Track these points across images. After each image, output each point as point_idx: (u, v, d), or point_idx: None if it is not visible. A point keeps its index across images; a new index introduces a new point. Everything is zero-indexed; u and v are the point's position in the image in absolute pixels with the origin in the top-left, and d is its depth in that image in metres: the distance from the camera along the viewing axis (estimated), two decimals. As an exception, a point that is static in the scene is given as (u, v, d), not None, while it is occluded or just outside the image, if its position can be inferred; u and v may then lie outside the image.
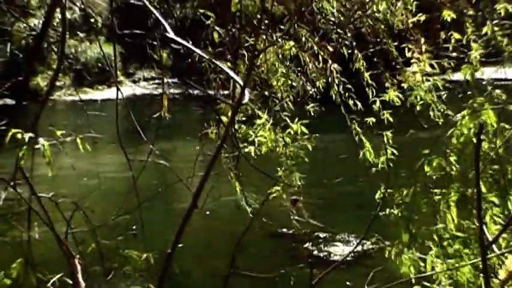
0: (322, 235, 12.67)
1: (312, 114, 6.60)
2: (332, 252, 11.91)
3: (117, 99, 5.65)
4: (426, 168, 5.57)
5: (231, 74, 5.47)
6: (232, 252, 4.95)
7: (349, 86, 7.01)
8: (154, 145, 5.77)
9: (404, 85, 6.31)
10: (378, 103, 6.40)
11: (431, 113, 6.29)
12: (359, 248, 11.29)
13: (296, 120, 6.41)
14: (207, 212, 11.62)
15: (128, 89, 32.14)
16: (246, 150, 6.27)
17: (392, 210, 5.82)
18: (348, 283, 10.34)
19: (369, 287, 5.68)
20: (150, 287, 5.43)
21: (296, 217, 6.24)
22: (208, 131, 6.38)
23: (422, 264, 5.80)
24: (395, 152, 6.17)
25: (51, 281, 4.88)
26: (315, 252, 11.87)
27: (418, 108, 6.13)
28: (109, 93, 31.28)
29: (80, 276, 4.26)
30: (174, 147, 6.23)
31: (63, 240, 4.84)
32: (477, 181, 4.12)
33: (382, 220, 5.86)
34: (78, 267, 4.43)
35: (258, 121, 6.35)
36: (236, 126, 6.19)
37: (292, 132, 6.40)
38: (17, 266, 4.94)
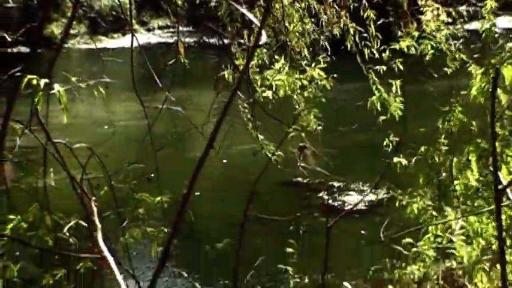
0: (336, 184, 12.64)
1: (324, 62, 6.53)
2: (346, 202, 11.89)
3: (132, 46, 5.61)
4: (446, 124, 5.56)
5: (248, 14, 5.40)
6: (249, 195, 4.94)
7: (365, 34, 6.92)
8: (170, 93, 5.73)
9: (415, 34, 6.24)
10: (387, 52, 6.36)
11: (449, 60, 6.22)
12: (373, 198, 11.29)
13: (313, 65, 6.37)
14: (224, 161, 11.58)
15: (143, 37, 31.96)
16: (264, 94, 6.23)
17: (403, 159, 5.83)
18: (362, 232, 10.37)
19: (384, 235, 5.69)
20: (164, 230, 5.45)
21: (303, 164, 6.23)
22: (224, 74, 6.32)
23: (434, 213, 5.83)
24: (402, 99, 6.14)
25: (69, 225, 4.90)
26: (330, 202, 11.86)
27: (427, 57, 6.09)
28: (123, 41, 31.09)
29: (96, 217, 4.27)
30: (189, 95, 6.18)
31: (79, 183, 4.84)
32: (492, 123, 4.09)
33: (396, 170, 5.86)
34: (95, 208, 4.44)
35: (275, 65, 6.31)
36: (251, 74, 6.15)
37: (309, 76, 6.36)
38: (32, 209, 4.97)
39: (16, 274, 4.82)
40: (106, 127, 15.36)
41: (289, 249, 6.20)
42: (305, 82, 6.36)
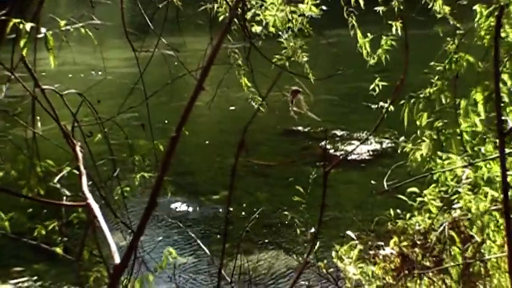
0: (339, 133, 12.36)
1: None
2: (348, 151, 11.54)
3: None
4: (453, 66, 5.40)
5: None
6: (239, 141, 4.71)
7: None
8: (163, 38, 5.50)
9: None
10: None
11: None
12: (378, 147, 11.10)
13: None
14: (232, 108, 11.34)
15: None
16: (253, 29, 6.00)
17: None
18: (367, 182, 10.17)
19: (388, 184, 5.53)
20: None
21: (295, 108, 6.05)
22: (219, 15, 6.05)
23: (439, 161, 5.66)
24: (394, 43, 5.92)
25: (60, 174, 4.72)
26: (331, 151, 11.59)
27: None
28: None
29: (81, 164, 4.07)
30: (184, 41, 5.94)
31: (66, 130, 4.62)
32: (495, 62, 3.91)
33: (402, 120, 5.69)
34: (80, 154, 4.23)
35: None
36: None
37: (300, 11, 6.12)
38: (22, 158, 4.78)
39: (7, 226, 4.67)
40: (96, 73, 15.08)
41: (297, 198, 5.98)
42: (295, 16, 6.11)
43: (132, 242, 2.61)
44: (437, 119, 5.78)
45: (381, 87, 5.91)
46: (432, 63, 5.81)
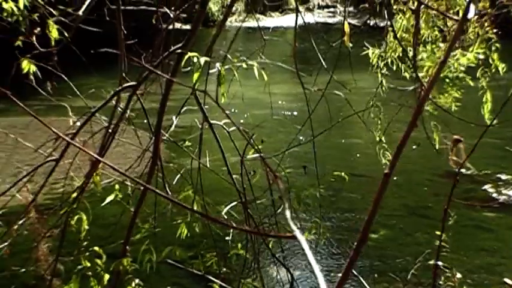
0: (503, 177, 11.90)
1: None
2: (512, 196, 11.14)
3: (296, 25, 5.39)
4: None
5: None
6: (453, 181, 4.54)
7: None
8: (332, 76, 5.49)
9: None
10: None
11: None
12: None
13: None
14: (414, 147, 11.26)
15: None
16: (421, 75, 5.84)
17: None
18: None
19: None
20: (317, 221, 5.27)
21: (454, 158, 5.87)
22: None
23: None
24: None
25: (225, 209, 4.77)
26: (494, 195, 11.15)
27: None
28: (281, 20, 31.09)
29: (284, 194, 4.08)
30: (352, 79, 5.91)
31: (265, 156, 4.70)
32: None
33: None
34: (281, 185, 4.25)
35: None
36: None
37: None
38: (185, 193, 4.86)
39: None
40: (256, 109, 15.29)
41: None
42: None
43: (344, 273, 2.59)
44: None
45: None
46: None
